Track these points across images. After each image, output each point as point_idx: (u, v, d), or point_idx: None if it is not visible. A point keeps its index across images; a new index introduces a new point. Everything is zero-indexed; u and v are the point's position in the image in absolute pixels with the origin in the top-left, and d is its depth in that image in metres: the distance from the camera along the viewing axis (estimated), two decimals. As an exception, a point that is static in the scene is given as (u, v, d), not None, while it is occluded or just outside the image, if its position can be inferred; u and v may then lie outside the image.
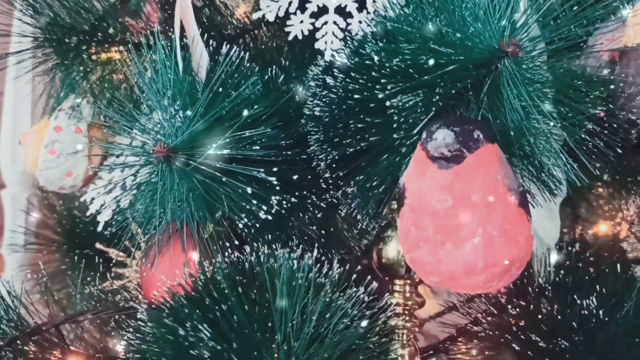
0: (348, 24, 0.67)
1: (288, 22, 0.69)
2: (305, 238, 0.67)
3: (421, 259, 0.48)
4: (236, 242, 0.63)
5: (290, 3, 0.69)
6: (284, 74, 0.65)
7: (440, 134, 0.46)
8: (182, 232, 0.61)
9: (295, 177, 0.58)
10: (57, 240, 1.04)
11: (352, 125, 0.52)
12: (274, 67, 0.61)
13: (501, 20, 0.51)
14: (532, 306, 0.54)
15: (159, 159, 0.56)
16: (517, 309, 0.55)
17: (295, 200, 0.58)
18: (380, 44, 0.49)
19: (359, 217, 0.61)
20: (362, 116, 0.50)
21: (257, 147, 0.52)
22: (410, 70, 0.48)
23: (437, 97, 0.49)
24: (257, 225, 0.59)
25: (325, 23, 0.68)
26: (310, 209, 0.63)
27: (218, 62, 0.59)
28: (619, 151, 0.54)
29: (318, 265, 0.51)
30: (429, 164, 0.47)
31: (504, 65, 0.50)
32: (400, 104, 0.46)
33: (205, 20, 0.75)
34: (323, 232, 0.65)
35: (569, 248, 0.66)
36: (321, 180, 0.60)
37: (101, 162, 0.79)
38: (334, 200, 0.64)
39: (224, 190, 0.54)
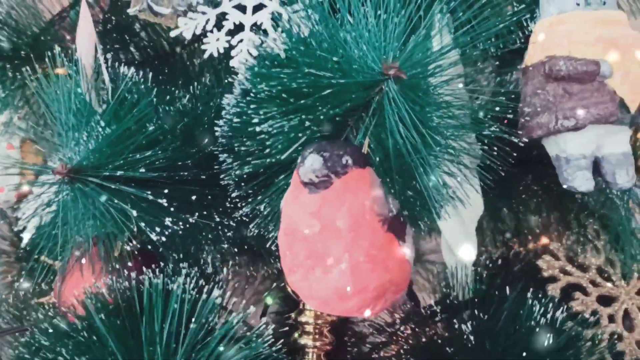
0: (263, 42, 0.67)
1: (204, 40, 0.69)
2: (220, 255, 0.67)
3: (297, 283, 0.48)
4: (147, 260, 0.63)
5: (207, 21, 0.69)
6: (201, 92, 0.66)
7: (309, 159, 0.46)
8: (91, 252, 0.61)
9: (193, 197, 0.58)
10: (10, 251, 1.05)
11: (241, 148, 0.53)
12: (179, 87, 0.62)
13: (389, 43, 0.51)
14: (424, 327, 0.54)
15: (61, 179, 0.57)
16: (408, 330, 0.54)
17: (196, 220, 0.58)
18: (256, 69, 0.49)
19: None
20: (244, 140, 0.51)
21: (143, 170, 0.52)
22: (284, 95, 0.47)
23: (313, 121, 0.48)
24: (161, 243, 0.59)
25: (241, 41, 0.68)
26: (219, 227, 0.63)
27: (120, 83, 0.59)
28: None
29: (199, 286, 0.51)
30: (301, 189, 0.47)
31: (387, 87, 0.50)
32: (270, 129, 0.46)
33: (146, 41, 0.75)
34: (235, 249, 0.65)
35: (487, 265, 0.66)
36: (228, 199, 0.60)
37: (36, 177, 0.80)
38: (245, 218, 0.64)
39: (115, 211, 0.54)
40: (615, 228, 0.70)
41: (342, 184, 0.46)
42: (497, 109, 0.53)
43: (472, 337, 0.50)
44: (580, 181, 0.54)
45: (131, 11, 0.67)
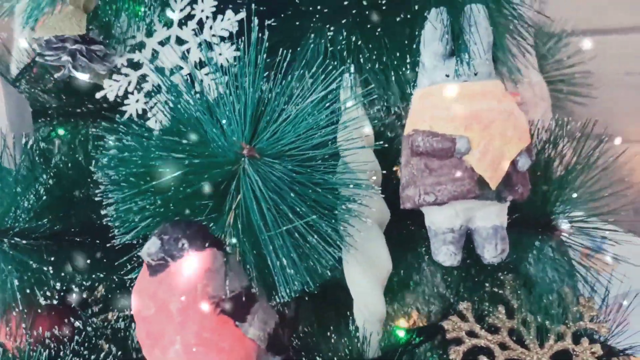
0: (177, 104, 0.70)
1: (125, 101, 0.72)
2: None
3: (146, 357, 0.50)
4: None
5: (129, 82, 0.72)
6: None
7: (149, 242, 0.48)
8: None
9: (87, 261, 0.61)
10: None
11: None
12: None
13: (247, 124, 0.53)
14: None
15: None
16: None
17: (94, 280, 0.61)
18: (112, 152, 0.51)
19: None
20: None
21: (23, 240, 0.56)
22: (132, 178, 0.50)
23: (165, 201, 0.51)
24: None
25: (158, 102, 0.71)
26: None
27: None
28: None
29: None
30: (145, 270, 0.49)
31: (243, 166, 0.52)
32: (115, 212, 0.49)
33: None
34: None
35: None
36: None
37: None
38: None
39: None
40: (538, 286, 0.68)
41: (177, 268, 0.48)
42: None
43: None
44: (444, 256, 0.54)
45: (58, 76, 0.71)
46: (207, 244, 0.49)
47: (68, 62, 0.68)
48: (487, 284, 0.68)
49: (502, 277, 0.68)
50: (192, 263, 0.48)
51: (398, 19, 0.58)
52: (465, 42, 0.54)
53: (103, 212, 0.51)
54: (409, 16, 0.58)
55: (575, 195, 0.67)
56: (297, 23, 0.64)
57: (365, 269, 0.64)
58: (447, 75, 0.54)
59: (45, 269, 0.57)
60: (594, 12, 1.13)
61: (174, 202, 0.50)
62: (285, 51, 0.57)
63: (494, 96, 0.53)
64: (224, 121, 0.52)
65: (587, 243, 0.87)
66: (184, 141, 0.50)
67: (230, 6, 0.69)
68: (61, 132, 0.83)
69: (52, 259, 0.58)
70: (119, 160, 0.50)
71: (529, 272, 0.67)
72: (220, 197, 0.53)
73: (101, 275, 0.61)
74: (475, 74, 0.54)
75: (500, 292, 0.68)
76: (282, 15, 0.63)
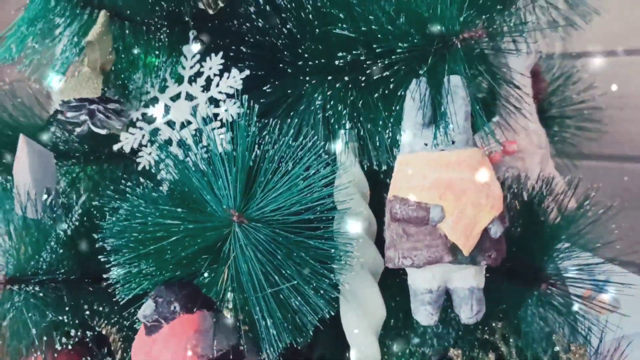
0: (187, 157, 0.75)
1: (139, 154, 0.77)
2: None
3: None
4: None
5: (143, 135, 0.78)
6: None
7: (145, 304, 0.53)
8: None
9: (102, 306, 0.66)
10: None
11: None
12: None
13: (238, 191, 0.57)
14: None
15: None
16: None
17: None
18: (114, 220, 0.56)
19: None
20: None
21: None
22: (132, 243, 0.55)
23: (161, 265, 0.55)
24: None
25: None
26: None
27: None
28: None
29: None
30: (143, 329, 0.54)
31: (234, 231, 0.56)
32: (115, 276, 0.54)
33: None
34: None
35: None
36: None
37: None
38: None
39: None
40: (529, 333, 0.70)
41: (170, 329, 0.52)
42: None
43: None
44: (422, 316, 0.57)
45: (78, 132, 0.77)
46: (197, 306, 0.53)
47: (87, 120, 0.74)
48: (478, 331, 0.71)
49: (493, 324, 0.71)
50: (183, 325, 0.52)
51: (390, 84, 0.61)
52: (443, 111, 0.57)
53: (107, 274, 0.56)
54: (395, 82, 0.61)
55: (566, 245, 0.69)
56: (294, 82, 0.68)
57: (360, 316, 0.68)
58: (426, 144, 0.57)
59: (62, 315, 0.62)
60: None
61: (170, 264, 0.55)
62: (276, 119, 0.61)
63: (469, 165, 0.56)
64: (216, 190, 0.57)
65: (589, 284, 0.88)
66: (179, 210, 0.55)
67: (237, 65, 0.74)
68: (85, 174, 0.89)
69: (69, 305, 0.63)
70: (119, 229, 0.55)
71: (520, 319, 0.69)
72: (215, 258, 0.58)
73: (114, 320, 0.66)
74: (453, 143, 0.57)
75: (491, 339, 0.70)
76: (278, 77, 0.67)
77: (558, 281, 0.68)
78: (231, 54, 0.72)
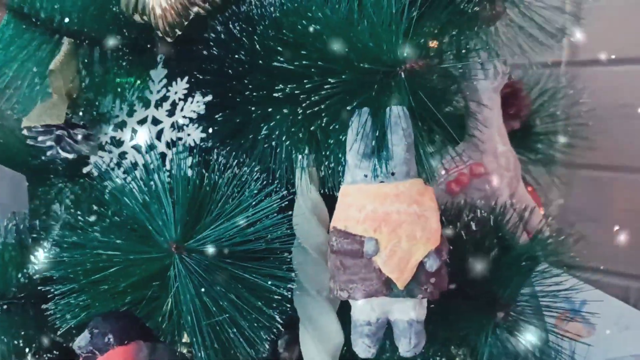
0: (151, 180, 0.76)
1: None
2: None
3: None
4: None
5: (111, 159, 0.79)
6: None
7: (81, 336, 0.54)
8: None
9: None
10: None
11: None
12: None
13: (179, 222, 0.58)
14: None
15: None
16: None
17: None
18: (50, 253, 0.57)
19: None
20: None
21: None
22: (71, 275, 0.56)
23: (100, 295, 0.56)
24: None
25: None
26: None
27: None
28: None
29: None
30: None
31: (174, 262, 0.57)
32: (54, 306, 0.55)
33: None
34: None
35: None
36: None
37: None
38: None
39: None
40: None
41: (104, 360, 0.53)
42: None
43: None
44: (360, 348, 0.56)
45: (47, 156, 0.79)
46: (132, 338, 0.54)
47: (53, 146, 0.76)
48: (437, 357, 0.70)
49: (452, 350, 0.70)
50: (116, 356, 0.53)
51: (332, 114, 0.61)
52: (386, 143, 0.56)
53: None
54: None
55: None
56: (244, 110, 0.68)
57: (317, 342, 0.68)
58: (366, 176, 0.57)
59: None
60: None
61: (109, 295, 0.56)
62: (226, 147, 0.62)
63: (407, 197, 0.55)
64: (159, 220, 0.57)
65: (565, 305, 0.87)
66: (118, 241, 0.56)
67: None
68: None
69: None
70: (57, 261, 0.56)
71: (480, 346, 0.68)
72: (161, 288, 0.58)
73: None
74: (393, 174, 0.56)
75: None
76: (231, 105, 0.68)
77: (519, 307, 0.66)
78: (192, 80, 0.73)
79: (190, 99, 0.76)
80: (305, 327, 0.71)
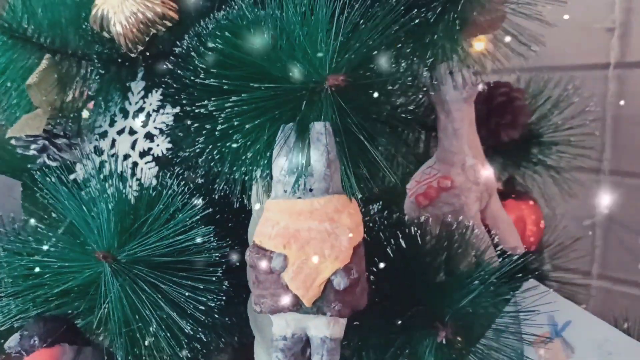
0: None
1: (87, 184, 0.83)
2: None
3: None
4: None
5: (92, 167, 0.83)
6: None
7: (12, 336, 0.58)
8: None
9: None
10: None
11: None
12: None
13: (111, 232, 0.60)
14: None
15: None
16: None
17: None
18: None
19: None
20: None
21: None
22: (8, 279, 0.60)
23: (35, 300, 0.60)
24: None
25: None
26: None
27: None
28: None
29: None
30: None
31: (105, 272, 0.60)
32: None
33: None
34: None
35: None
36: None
37: None
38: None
39: None
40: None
41: (29, 361, 0.57)
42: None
43: None
44: (272, 364, 0.57)
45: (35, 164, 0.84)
46: (57, 341, 0.57)
47: (39, 154, 0.81)
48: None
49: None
50: (40, 358, 0.56)
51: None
52: (308, 158, 0.57)
53: None
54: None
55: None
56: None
57: (270, 352, 0.69)
58: (285, 191, 0.57)
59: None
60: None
61: (40, 301, 0.59)
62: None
63: (320, 215, 0.55)
64: (95, 229, 0.60)
65: (545, 327, 0.84)
66: (52, 249, 0.59)
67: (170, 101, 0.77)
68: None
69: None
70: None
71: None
72: (94, 296, 0.61)
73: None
74: (311, 190, 0.56)
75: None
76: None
77: (462, 326, 0.64)
78: (165, 91, 0.76)
79: (161, 110, 0.78)
80: (258, 341, 0.72)
